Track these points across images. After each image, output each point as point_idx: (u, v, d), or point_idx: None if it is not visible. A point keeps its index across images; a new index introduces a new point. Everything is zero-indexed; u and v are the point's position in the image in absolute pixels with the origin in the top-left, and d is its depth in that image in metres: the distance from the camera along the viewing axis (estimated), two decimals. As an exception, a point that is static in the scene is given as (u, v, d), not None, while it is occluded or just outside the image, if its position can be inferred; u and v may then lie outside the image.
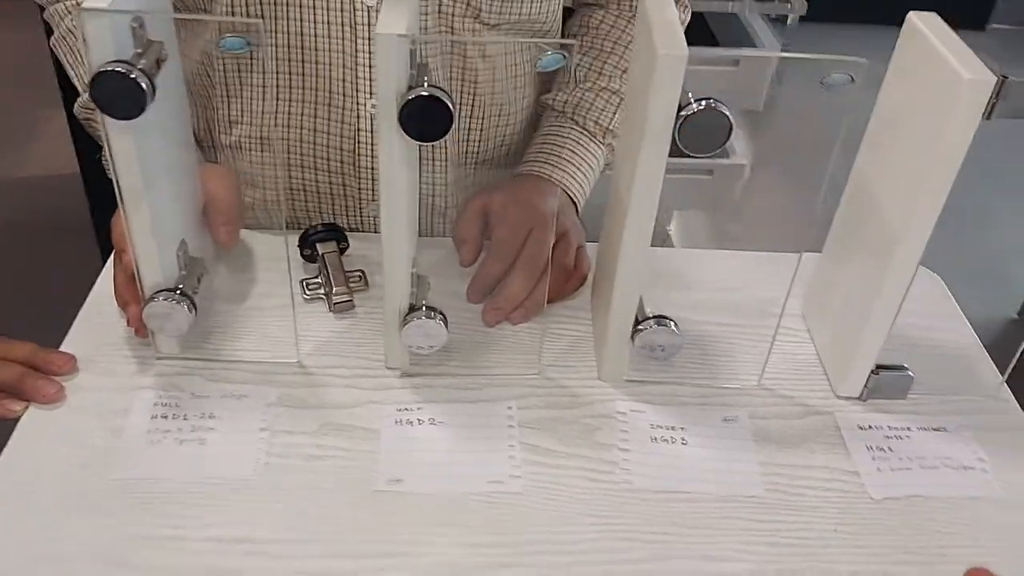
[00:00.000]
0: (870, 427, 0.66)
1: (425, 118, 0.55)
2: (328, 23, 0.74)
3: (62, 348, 0.68)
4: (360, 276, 0.75)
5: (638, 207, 0.59)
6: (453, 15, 0.76)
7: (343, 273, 0.74)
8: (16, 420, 0.62)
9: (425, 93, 0.54)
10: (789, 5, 1.75)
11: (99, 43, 0.53)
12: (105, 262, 0.73)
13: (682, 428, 0.65)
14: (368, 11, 0.73)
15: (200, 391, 0.65)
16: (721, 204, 1.80)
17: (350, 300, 0.73)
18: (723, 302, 0.77)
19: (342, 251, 0.76)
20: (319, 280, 0.75)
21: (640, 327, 0.65)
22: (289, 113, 0.79)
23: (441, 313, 0.64)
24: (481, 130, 0.84)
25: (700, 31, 1.92)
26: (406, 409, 0.65)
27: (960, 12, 1.18)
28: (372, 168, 0.82)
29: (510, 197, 0.77)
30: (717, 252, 0.85)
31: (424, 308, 0.64)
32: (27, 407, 0.63)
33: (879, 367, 0.66)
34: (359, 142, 0.79)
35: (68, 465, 0.59)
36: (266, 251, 0.79)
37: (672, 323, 0.65)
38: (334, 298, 0.72)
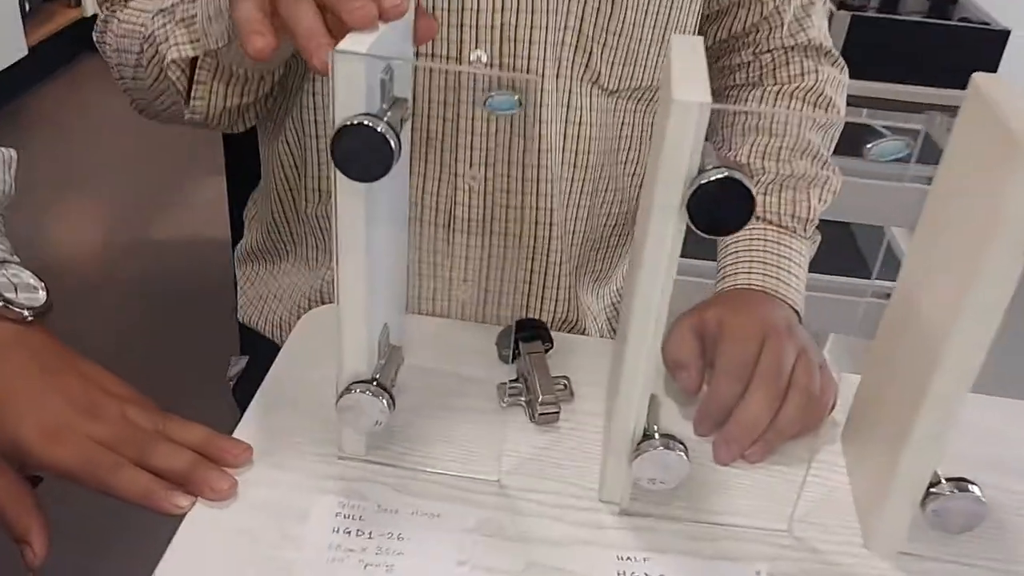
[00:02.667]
0: None
1: (720, 205, 0.45)
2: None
3: (235, 435, 0.59)
4: (565, 384, 0.65)
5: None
6: (571, 78, 0.69)
7: (550, 379, 0.64)
8: (181, 516, 0.54)
9: (723, 175, 0.45)
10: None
11: (349, 91, 0.46)
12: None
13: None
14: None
15: (388, 503, 0.55)
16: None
17: (557, 412, 0.62)
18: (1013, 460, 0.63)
19: (545, 351, 0.67)
20: (519, 385, 0.65)
21: (934, 490, 0.52)
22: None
23: (682, 444, 0.53)
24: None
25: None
26: (629, 559, 0.53)
27: None
28: (559, 252, 0.73)
29: (727, 310, 0.66)
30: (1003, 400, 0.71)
31: (661, 436, 0.53)
32: (195, 502, 0.54)
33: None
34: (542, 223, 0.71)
35: (234, 577, 0.50)
36: (463, 343, 0.70)
37: (976, 488, 0.52)
38: (539, 408, 0.62)
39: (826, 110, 0.77)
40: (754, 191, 0.44)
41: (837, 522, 0.57)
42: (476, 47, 0.67)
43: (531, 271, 0.76)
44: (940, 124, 1.68)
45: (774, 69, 0.79)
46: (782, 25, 0.77)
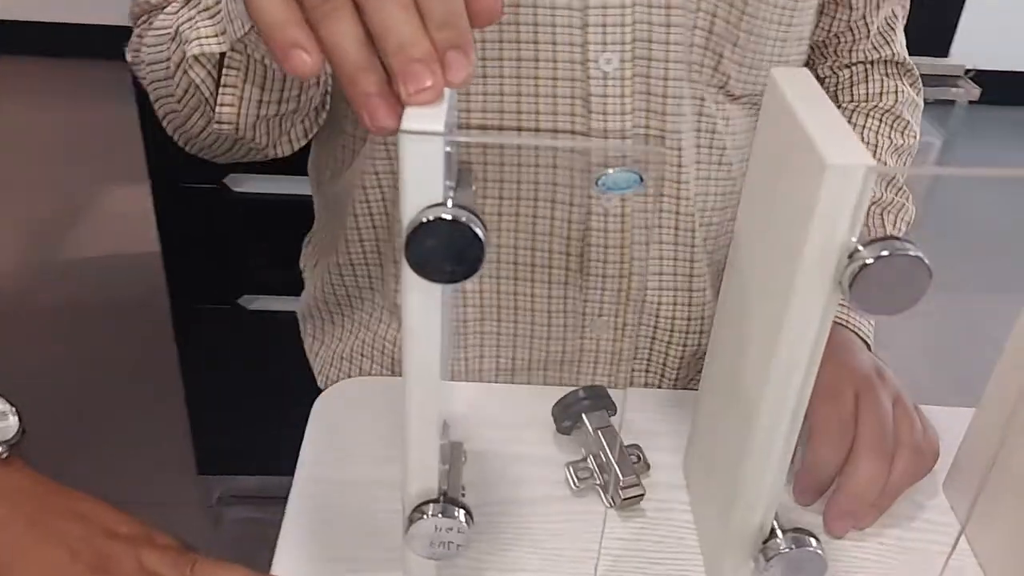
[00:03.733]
0: None
1: (888, 284, 0.38)
2: (555, 97, 0.59)
3: (274, 567, 0.50)
4: (639, 456, 0.58)
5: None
6: (701, 82, 0.61)
7: (626, 455, 0.56)
8: None
9: (887, 253, 0.37)
10: (955, 90, 1.55)
11: (423, 177, 0.36)
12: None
13: None
14: (605, 79, 0.58)
15: (476, 640, 0.47)
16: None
17: (642, 495, 0.55)
18: None
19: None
20: (587, 464, 0.57)
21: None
22: (507, 214, 0.63)
23: (814, 536, 0.46)
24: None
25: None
26: (767, 673, 0.46)
27: None
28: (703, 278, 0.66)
29: None
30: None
31: (790, 532, 0.46)
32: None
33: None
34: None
35: None
36: (512, 415, 0.61)
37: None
38: (623, 492, 0.54)
39: (902, 133, 0.70)
40: (927, 268, 0.37)
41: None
42: (604, 50, 0.57)
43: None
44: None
45: (851, 85, 0.72)
46: (867, 36, 0.69)
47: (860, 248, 0.37)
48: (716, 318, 0.52)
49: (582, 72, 0.58)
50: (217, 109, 0.54)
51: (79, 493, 0.51)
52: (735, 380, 0.47)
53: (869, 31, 0.69)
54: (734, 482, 0.46)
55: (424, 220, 0.36)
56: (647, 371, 0.70)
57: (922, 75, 0.74)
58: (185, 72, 0.53)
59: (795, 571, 0.46)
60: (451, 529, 0.46)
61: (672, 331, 0.68)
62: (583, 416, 0.58)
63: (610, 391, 0.59)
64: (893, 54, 0.71)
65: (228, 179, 1.19)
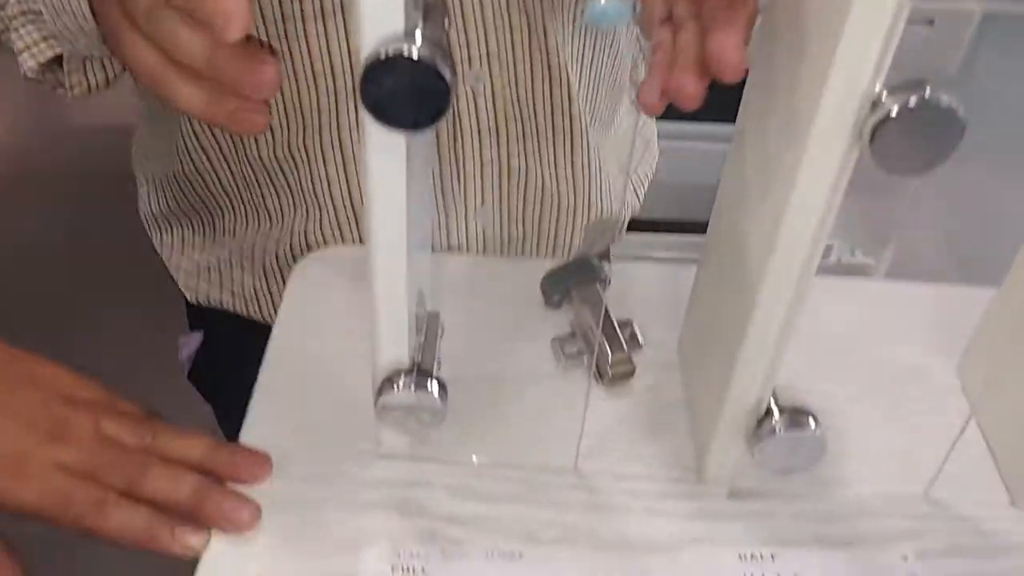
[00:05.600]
0: None
1: (914, 140, 0.33)
2: None
3: (242, 437, 0.48)
4: (632, 331, 0.54)
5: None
6: None
7: (616, 331, 0.53)
8: (193, 559, 0.43)
9: (915, 102, 0.32)
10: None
11: (381, 5, 0.31)
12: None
13: None
14: None
15: (446, 510, 0.45)
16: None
17: (632, 371, 0.52)
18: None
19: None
20: (575, 339, 0.54)
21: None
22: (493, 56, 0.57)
23: (812, 415, 0.43)
24: None
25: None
26: (754, 557, 0.44)
27: None
28: (584, 135, 0.61)
29: None
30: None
31: (788, 411, 0.43)
32: (208, 539, 0.43)
33: None
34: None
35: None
36: (496, 286, 0.58)
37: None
38: (612, 368, 0.51)
39: None
40: (960, 123, 0.32)
41: (974, 477, 0.48)
42: None
43: (560, 176, 0.63)
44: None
45: None
46: None
47: (885, 97, 0.32)
48: (721, 183, 0.47)
49: None
50: (69, 92, 0.49)
51: (38, 357, 0.48)
52: (738, 249, 0.43)
53: None
54: (731, 357, 0.43)
55: (382, 55, 0.31)
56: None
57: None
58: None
59: (790, 453, 0.44)
60: (424, 402, 0.43)
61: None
62: (572, 289, 0.55)
63: (603, 264, 0.56)
64: None
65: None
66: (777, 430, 0.43)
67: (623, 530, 0.45)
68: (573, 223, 0.65)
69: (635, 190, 0.75)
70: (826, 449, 0.43)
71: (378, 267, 0.39)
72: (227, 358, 0.69)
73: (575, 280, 0.54)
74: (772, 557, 0.44)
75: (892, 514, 0.46)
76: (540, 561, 0.43)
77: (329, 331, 0.53)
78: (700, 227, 0.51)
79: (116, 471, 0.44)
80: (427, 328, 0.47)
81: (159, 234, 0.70)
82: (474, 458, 0.47)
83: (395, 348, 0.42)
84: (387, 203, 0.37)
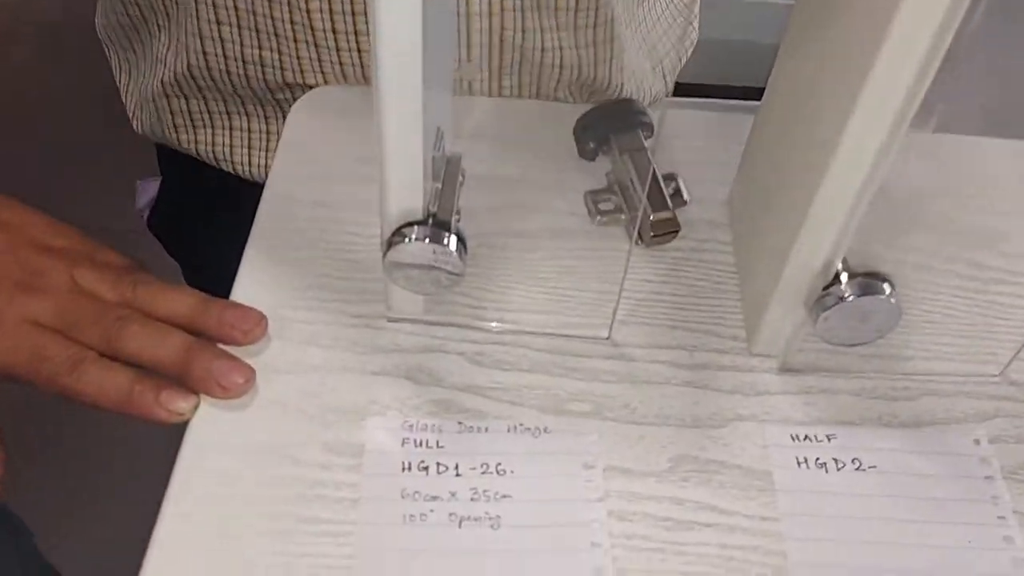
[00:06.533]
0: None
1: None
2: None
3: (234, 293, 0.43)
4: (676, 187, 0.48)
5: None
6: None
7: (660, 185, 0.46)
8: (183, 425, 0.38)
9: None
10: None
11: None
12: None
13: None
14: None
15: (464, 380, 0.40)
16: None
17: (676, 230, 0.46)
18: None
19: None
20: (612, 194, 0.48)
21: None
22: None
23: (887, 280, 0.38)
24: None
25: None
26: (808, 439, 0.39)
27: None
28: None
29: None
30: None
31: (861, 277, 0.38)
32: (197, 405, 0.38)
33: None
34: None
35: (266, 527, 0.36)
36: (522, 133, 0.51)
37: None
38: (653, 226, 0.45)
39: None
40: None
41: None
42: None
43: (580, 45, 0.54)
44: None
45: None
46: None
47: None
48: (794, 9, 0.40)
49: None
50: None
51: (8, 199, 0.43)
52: (812, 91, 0.37)
53: None
54: (798, 215, 0.36)
55: None
56: None
57: None
58: None
59: (860, 323, 0.38)
60: (440, 258, 0.37)
61: None
62: (610, 136, 0.48)
63: (647, 109, 0.49)
64: None
65: None
66: (846, 296, 0.37)
67: (661, 405, 0.40)
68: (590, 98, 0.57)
69: (664, 76, 0.66)
70: (900, 318, 0.38)
71: (386, 91, 0.33)
72: (194, 206, 0.64)
73: (613, 126, 0.48)
74: (829, 439, 0.39)
75: (964, 394, 0.41)
76: (567, 437, 0.38)
77: (331, 177, 0.47)
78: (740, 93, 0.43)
79: (93, 327, 0.39)
80: (445, 173, 0.40)
81: (106, 48, 0.63)
82: (495, 324, 0.42)
83: (407, 195, 0.36)
84: (396, 15, 0.30)
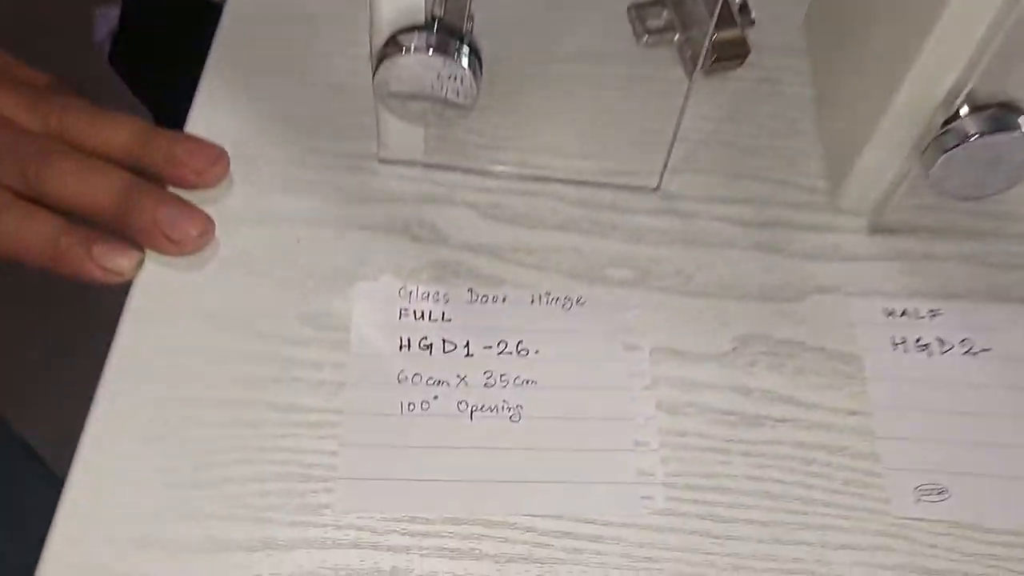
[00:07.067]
0: None
1: None
2: None
3: (189, 124, 0.34)
4: (743, 4, 0.39)
5: None
6: None
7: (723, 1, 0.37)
8: (126, 286, 0.31)
9: None
10: None
11: None
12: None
13: None
14: None
15: (475, 238, 0.32)
16: None
17: (744, 56, 0.37)
18: None
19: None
20: (663, 8, 0.38)
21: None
22: None
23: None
24: None
25: None
26: (905, 314, 0.32)
27: None
28: None
29: None
30: None
31: (993, 109, 0.29)
32: (141, 261, 0.31)
33: None
34: None
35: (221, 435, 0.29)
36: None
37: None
38: (716, 50, 0.36)
39: None
40: None
41: None
42: None
43: None
44: None
45: None
46: None
47: None
48: None
49: None
50: None
51: None
52: None
53: None
54: (920, 26, 0.27)
55: None
56: None
57: None
58: None
59: (984, 169, 0.30)
60: (447, 76, 0.29)
61: None
62: (662, -65, 0.38)
63: (706, -98, 0.39)
64: None
65: None
66: (972, 133, 0.29)
67: (723, 273, 0.32)
68: None
69: None
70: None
71: None
72: (161, 33, 0.56)
73: (667, -79, 0.38)
74: (931, 315, 0.31)
75: (1098, 264, 0.33)
76: (605, 311, 0.31)
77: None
78: None
79: (8, 161, 0.31)
80: (453, -30, 0.31)
81: None
82: (514, 169, 0.34)
83: (402, -12, 0.27)
84: None
